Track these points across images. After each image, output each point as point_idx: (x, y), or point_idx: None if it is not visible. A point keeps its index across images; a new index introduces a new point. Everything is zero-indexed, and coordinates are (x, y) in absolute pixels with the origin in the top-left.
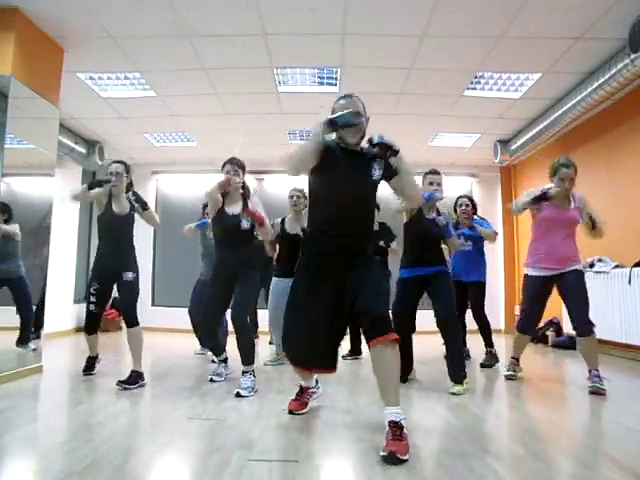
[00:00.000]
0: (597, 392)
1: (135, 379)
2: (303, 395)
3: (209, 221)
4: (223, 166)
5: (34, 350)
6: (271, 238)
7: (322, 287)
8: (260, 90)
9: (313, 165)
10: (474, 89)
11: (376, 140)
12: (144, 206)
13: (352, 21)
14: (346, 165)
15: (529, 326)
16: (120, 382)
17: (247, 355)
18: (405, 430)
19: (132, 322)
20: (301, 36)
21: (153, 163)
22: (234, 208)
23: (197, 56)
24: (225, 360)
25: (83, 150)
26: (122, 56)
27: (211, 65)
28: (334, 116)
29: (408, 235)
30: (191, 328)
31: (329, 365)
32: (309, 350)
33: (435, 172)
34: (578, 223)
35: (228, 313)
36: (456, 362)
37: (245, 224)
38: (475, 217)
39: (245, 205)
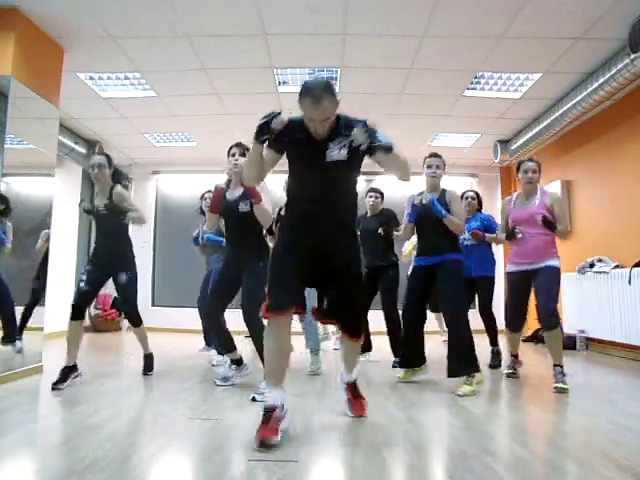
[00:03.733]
0: (561, 391)
1: (152, 362)
2: (271, 419)
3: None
4: (229, 150)
5: (19, 351)
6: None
7: (298, 254)
8: (260, 90)
9: (268, 169)
10: (474, 89)
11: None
12: (119, 213)
13: (352, 21)
14: (307, 149)
15: (513, 321)
16: (145, 372)
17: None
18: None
19: (135, 322)
20: (301, 36)
21: (153, 163)
22: (234, 192)
23: (197, 56)
24: (238, 362)
25: (83, 150)
26: (122, 56)
27: (211, 65)
28: (260, 123)
29: (416, 225)
30: (191, 328)
31: (293, 299)
32: (278, 286)
33: (435, 155)
34: (539, 216)
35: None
36: (459, 354)
37: (243, 206)
38: (480, 213)
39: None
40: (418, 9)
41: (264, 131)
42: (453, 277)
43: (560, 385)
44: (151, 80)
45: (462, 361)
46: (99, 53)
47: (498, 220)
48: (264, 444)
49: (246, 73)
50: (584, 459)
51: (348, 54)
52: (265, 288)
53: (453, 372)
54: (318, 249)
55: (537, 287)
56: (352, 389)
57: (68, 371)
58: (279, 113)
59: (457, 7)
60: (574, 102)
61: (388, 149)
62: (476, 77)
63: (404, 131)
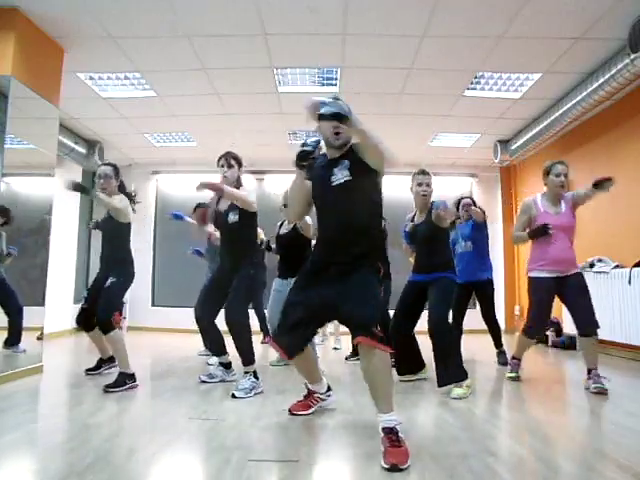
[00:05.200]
0: (602, 392)
1: (123, 381)
2: (308, 398)
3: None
4: (218, 161)
5: (24, 352)
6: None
7: (311, 286)
8: (260, 90)
9: (307, 203)
10: (474, 89)
11: (322, 110)
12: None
13: (352, 21)
14: (319, 175)
15: (538, 331)
16: (106, 386)
17: (243, 355)
18: (401, 434)
19: (104, 329)
20: (301, 36)
21: (153, 163)
22: (224, 204)
23: (197, 56)
24: (227, 365)
25: (83, 150)
26: (122, 56)
27: (211, 65)
28: (299, 158)
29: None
30: (191, 328)
31: (286, 346)
32: (281, 322)
33: (423, 172)
34: (573, 227)
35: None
36: (446, 364)
37: (232, 217)
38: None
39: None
40: (418, 9)
41: (305, 157)
42: (440, 290)
43: (600, 385)
44: (151, 80)
45: (450, 370)
46: (99, 53)
47: (493, 221)
48: (291, 412)
49: (246, 73)
50: (585, 459)
51: (348, 54)
52: (248, 293)
53: (442, 381)
54: (333, 274)
55: (575, 297)
56: (390, 438)
57: (102, 362)
58: (319, 141)
59: (457, 7)
60: (574, 102)
61: (334, 116)
62: (476, 77)
63: (404, 131)
